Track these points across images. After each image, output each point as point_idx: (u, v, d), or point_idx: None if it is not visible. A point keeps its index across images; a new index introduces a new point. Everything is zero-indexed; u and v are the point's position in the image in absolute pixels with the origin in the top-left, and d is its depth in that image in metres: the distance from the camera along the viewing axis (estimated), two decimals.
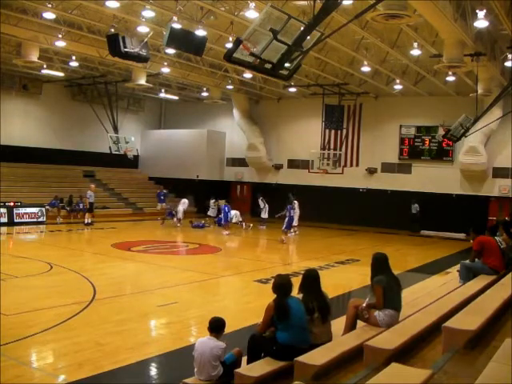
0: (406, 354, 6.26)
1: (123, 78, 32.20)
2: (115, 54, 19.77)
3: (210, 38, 22.31)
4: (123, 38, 19.30)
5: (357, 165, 34.94)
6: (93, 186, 30.77)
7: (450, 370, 5.44)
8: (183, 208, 30.90)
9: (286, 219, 25.15)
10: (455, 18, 17.42)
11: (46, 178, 34.18)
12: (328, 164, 32.66)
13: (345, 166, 34.14)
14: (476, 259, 11.39)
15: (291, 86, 33.58)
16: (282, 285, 6.95)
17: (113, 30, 20.91)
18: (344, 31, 19.37)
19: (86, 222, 28.58)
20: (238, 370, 6.28)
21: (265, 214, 31.08)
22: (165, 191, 35.10)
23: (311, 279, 7.41)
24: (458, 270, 12.00)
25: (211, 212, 32.34)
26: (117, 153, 31.30)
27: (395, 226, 31.72)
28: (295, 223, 27.48)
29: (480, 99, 24.40)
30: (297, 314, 6.72)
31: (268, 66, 9.30)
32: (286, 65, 9.60)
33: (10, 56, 26.88)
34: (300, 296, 7.20)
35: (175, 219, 30.81)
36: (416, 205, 31.73)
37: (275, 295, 6.90)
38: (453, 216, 30.60)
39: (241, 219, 30.02)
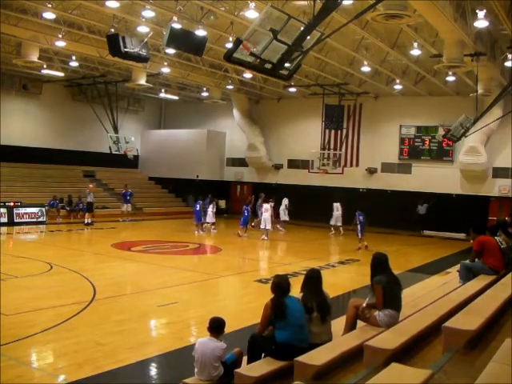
0: (406, 354, 6.26)
1: (123, 78, 32.22)
2: (115, 54, 19.75)
3: (210, 38, 22.31)
4: (123, 38, 19.29)
5: (357, 165, 34.95)
6: (91, 185, 30.61)
7: (449, 369, 5.44)
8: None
9: (359, 226, 23.61)
10: (455, 18, 17.43)
11: (46, 177, 34.20)
12: (328, 164, 32.69)
13: (345, 165, 34.18)
14: (476, 259, 11.39)
15: (291, 86, 33.58)
16: (279, 284, 6.99)
17: (113, 30, 20.89)
18: (344, 31, 19.37)
19: (85, 221, 28.60)
20: (238, 370, 6.28)
21: (285, 216, 30.64)
22: (130, 191, 33.51)
23: (312, 279, 7.45)
24: (457, 270, 12.00)
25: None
26: (117, 153, 31.33)
27: (395, 226, 31.71)
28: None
29: (480, 99, 24.40)
30: (294, 312, 6.74)
31: (268, 65, 9.31)
32: (286, 65, 9.61)
33: (10, 56, 26.90)
34: (300, 295, 7.23)
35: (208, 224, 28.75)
36: (425, 205, 31.41)
37: (273, 295, 6.94)
38: (453, 216, 30.59)
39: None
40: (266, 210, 25.84)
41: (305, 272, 7.84)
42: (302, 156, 36.00)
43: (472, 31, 19.13)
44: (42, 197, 30.90)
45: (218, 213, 31.07)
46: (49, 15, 21.42)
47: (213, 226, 28.67)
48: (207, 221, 28.31)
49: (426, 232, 31.61)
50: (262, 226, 26.06)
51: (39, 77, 33.21)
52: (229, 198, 39.07)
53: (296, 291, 7.25)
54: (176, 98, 39.81)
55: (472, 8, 18.05)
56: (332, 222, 29.95)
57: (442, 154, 32.61)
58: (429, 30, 20.66)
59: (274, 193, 33.55)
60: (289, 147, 37.64)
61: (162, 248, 22.50)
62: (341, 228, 29.86)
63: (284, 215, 30.16)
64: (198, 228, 27.38)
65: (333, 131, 34.54)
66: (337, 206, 30.06)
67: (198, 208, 27.20)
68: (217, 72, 31.24)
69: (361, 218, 23.58)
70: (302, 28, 9.22)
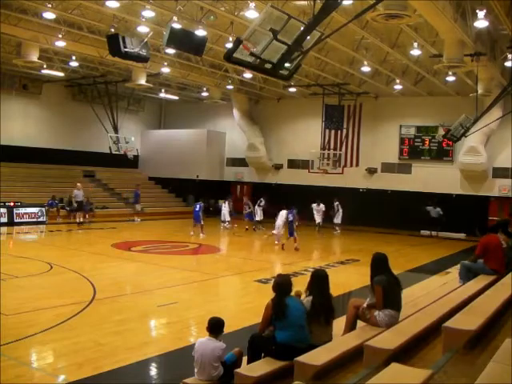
0: (406, 354, 6.26)
1: (123, 77, 32.24)
2: (115, 54, 19.77)
3: (210, 37, 22.33)
4: (123, 38, 19.31)
5: (357, 165, 34.93)
6: (79, 184, 29.90)
7: (450, 369, 5.44)
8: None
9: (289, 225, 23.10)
10: (455, 18, 17.43)
11: (46, 177, 34.18)
12: (328, 164, 32.69)
13: (345, 166, 34.10)
14: (478, 260, 11.37)
15: (291, 86, 33.59)
16: (280, 284, 6.98)
17: (113, 30, 20.94)
18: (344, 31, 19.35)
19: (78, 221, 28.62)
20: (238, 370, 6.28)
21: (337, 219, 30.96)
22: (136, 190, 34.35)
23: (319, 279, 7.42)
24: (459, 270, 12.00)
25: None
26: (117, 153, 31.34)
27: (395, 225, 31.69)
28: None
29: (480, 99, 24.38)
30: (295, 312, 6.73)
31: (268, 65, 9.28)
32: (286, 65, 9.59)
33: (10, 56, 26.88)
34: (308, 298, 7.20)
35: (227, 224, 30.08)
36: (438, 209, 30.82)
37: (274, 294, 6.92)
38: (453, 216, 30.53)
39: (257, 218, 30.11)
40: (281, 216, 24.05)
41: (305, 272, 7.85)
42: (302, 156, 36.00)
43: (472, 31, 19.15)
44: (42, 197, 30.91)
45: (218, 213, 31.15)
46: (49, 15, 21.43)
47: (229, 225, 29.84)
48: (221, 219, 29.73)
49: (426, 232, 31.50)
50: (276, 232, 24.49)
51: (39, 77, 33.21)
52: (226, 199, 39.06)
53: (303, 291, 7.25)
54: (176, 98, 39.80)
55: (472, 8, 18.06)
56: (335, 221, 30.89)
57: (442, 154, 32.63)
58: (429, 30, 20.67)
59: (274, 193, 33.69)
60: (289, 147, 37.65)
61: (162, 248, 22.51)
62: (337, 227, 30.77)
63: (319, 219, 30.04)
64: (200, 230, 26.60)
65: (333, 131, 34.50)
66: (336, 204, 30.90)
67: (197, 209, 26.59)
68: (217, 72, 31.24)
69: (290, 215, 22.88)
70: (302, 28, 9.21)
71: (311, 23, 9.23)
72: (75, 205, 29.48)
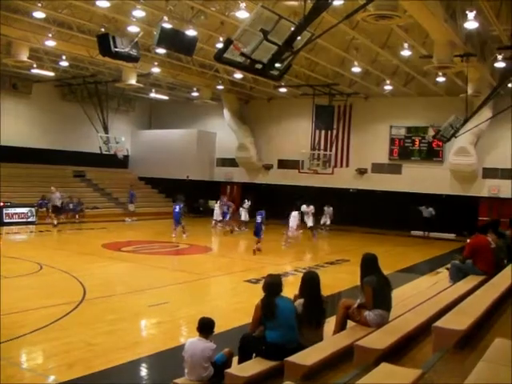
0: (396, 353, 6.27)
1: (113, 77, 32.14)
2: (105, 54, 19.67)
3: (201, 37, 22.28)
4: (113, 38, 19.21)
5: (347, 165, 34.98)
6: (53, 188, 29.29)
7: (439, 369, 5.45)
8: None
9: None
10: (445, 19, 17.50)
11: (35, 177, 33.99)
12: (318, 164, 32.70)
13: (335, 166, 34.11)
14: (466, 260, 11.41)
15: (281, 87, 33.57)
16: (270, 284, 6.97)
17: (103, 30, 20.88)
18: (334, 31, 19.36)
19: (54, 223, 28.14)
20: (228, 370, 6.28)
21: (328, 221, 31.30)
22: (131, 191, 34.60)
23: (311, 282, 7.41)
24: (447, 268, 12.03)
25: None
26: (107, 153, 31.24)
27: (385, 226, 31.75)
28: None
29: (470, 100, 24.50)
30: (284, 313, 6.73)
31: (258, 66, 9.28)
32: (277, 65, 9.59)
33: None
34: (301, 301, 7.20)
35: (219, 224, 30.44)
36: (430, 209, 30.78)
37: (264, 294, 6.93)
38: (443, 216, 30.61)
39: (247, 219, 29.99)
40: (294, 216, 24.18)
41: (295, 272, 7.85)
42: (292, 156, 35.97)
43: (462, 32, 19.22)
44: (32, 197, 30.75)
45: (208, 213, 31.26)
46: (39, 14, 21.35)
47: (221, 225, 30.10)
48: (214, 218, 30.24)
49: (416, 232, 31.61)
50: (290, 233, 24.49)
51: (29, 76, 33.09)
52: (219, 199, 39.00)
53: (288, 291, 7.24)
54: (166, 98, 39.74)
55: (462, 9, 18.12)
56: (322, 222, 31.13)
57: (432, 154, 32.75)
58: (419, 30, 20.69)
59: (264, 193, 33.70)
60: (279, 147, 37.66)
61: (152, 248, 22.46)
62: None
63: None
64: (181, 230, 25.81)
65: (323, 131, 34.58)
66: (329, 210, 31.34)
67: (176, 210, 25.55)
68: (207, 72, 31.23)
69: (259, 217, 22.21)
70: (292, 28, 9.22)
71: (302, 23, 9.23)
72: (50, 208, 29.04)
